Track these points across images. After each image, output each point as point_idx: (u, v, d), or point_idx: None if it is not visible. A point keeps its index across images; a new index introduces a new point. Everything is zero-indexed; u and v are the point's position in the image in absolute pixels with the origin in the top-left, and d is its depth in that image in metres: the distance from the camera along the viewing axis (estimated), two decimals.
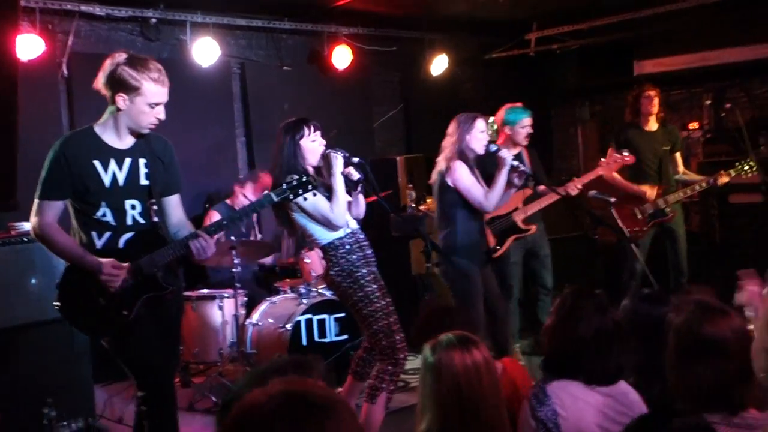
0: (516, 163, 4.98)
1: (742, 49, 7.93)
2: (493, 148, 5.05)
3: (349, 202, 4.42)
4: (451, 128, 5.12)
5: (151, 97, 3.43)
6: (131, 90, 3.40)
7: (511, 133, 5.95)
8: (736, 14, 7.65)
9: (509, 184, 5.07)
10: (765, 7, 7.44)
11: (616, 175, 6.43)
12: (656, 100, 6.51)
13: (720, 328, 2.24)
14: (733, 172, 6.28)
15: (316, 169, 4.38)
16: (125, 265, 3.45)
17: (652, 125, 6.57)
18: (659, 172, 6.53)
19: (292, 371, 2.20)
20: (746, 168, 6.24)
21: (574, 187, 5.70)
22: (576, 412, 2.64)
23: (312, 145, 4.30)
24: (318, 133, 4.34)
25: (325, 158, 4.31)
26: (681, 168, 6.69)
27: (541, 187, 5.84)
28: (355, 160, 4.34)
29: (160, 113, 3.50)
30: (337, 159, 4.26)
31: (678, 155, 6.70)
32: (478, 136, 5.03)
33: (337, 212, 4.23)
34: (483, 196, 4.98)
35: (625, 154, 6.02)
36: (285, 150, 4.27)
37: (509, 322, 5.56)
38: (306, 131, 4.29)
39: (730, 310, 2.31)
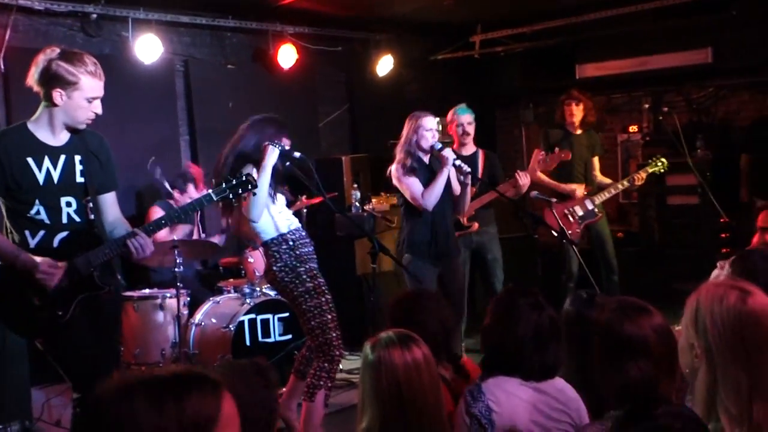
0: (459, 162, 5.05)
1: (680, 54, 8.13)
2: (438, 146, 5.11)
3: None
4: (404, 127, 5.22)
5: (89, 91, 3.39)
6: (68, 85, 3.34)
7: (452, 133, 6.13)
8: (675, 21, 7.84)
9: (462, 184, 5.18)
10: (701, 14, 7.64)
11: (542, 176, 6.58)
12: (576, 110, 6.77)
13: (641, 327, 2.27)
14: (649, 169, 6.73)
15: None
16: (61, 264, 3.38)
17: (577, 129, 6.83)
18: (585, 175, 6.75)
19: (253, 375, 2.20)
20: (659, 165, 6.74)
21: (523, 176, 5.77)
22: (510, 407, 2.68)
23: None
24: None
25: (262, 149, 4.25)
26: (597, 172, 6.98)
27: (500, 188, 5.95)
28: (297, 155, 4.32)
29: (98, 108, 3.45)
30: (273, 152, 4.22)
31: (596, 159, 6.99)
32: (424, 133, 5.10)
33: (253, 205, 4.17)
34: (419, 194, 5.05)
35: (564, 150, 6.27)
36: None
37: (459, 326, 5.61)
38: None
39: (652, 309, 2.35)
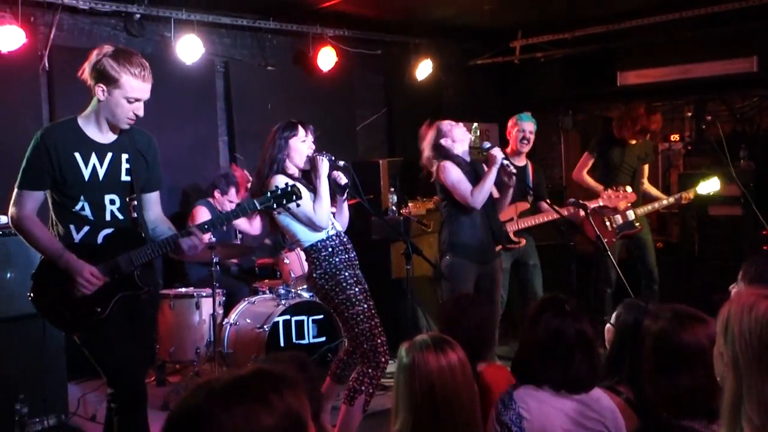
0: (507, 162, 5.06)
1: (723, 62, 7.99)
2: (486, 145, 5.17)
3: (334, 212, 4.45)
4: (426, 137, 5.28)
5: (130, 91, 3.38)
6: (110, 81, 3.37)
7: (510, 138, 6.15)
8: (719, 28, 7.72)
9: (504, 185, 5.19)
10: (747, 22, 7.51)
11: (588, 179, 6.52)
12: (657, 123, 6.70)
13: (697, 336, 2.23)
14: (699, 190, 6.60)
15: (305, 172, 4.38)
16: (103, 277, 3.41)
17: (635, 140, 6.68)
18: (632, 184, 6.62)
19: (297, 371, 2.20)
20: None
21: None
22: (541, 417, 2.63)
23: (300, 145, 4.32)
24: (310, 137, 4.37)
25: (312, 161, 4.33)
26: (645, 179, 6.88)
27: (543, 204, 5.94)
28: (341, 163, 4.39)
29: (139, 110, 3.45)
30: (323, 162, 4.28)
31: (646, 167, 6.88)
32: (451, 128, 5.21)
33: (321, 214, 4.24)
34: (468, 192, 5.08)
35: (629, 190, 6.18)
36: (275, 147, 4.30)
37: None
38: (298, 131, 4.32)
39: (707, 318, 2.31)
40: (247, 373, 1.46)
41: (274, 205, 3.80)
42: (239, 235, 6.81)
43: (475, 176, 5.16)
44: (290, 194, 3.78)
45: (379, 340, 4.29)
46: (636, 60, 8.50)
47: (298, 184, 4.11)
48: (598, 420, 2.68)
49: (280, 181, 4.15)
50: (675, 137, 8.68)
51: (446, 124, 5.23)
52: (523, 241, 5.95)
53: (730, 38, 7.82)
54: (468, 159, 5.24)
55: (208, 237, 5.67)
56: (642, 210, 6.59)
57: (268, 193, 3.79)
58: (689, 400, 2.16)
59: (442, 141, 5.19)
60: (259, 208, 3.76)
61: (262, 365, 1.52)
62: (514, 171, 5.13)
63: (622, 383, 2.87)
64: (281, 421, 1.39)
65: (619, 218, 6.51)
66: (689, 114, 8.57)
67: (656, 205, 6.65)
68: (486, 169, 5.09)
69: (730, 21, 7.53)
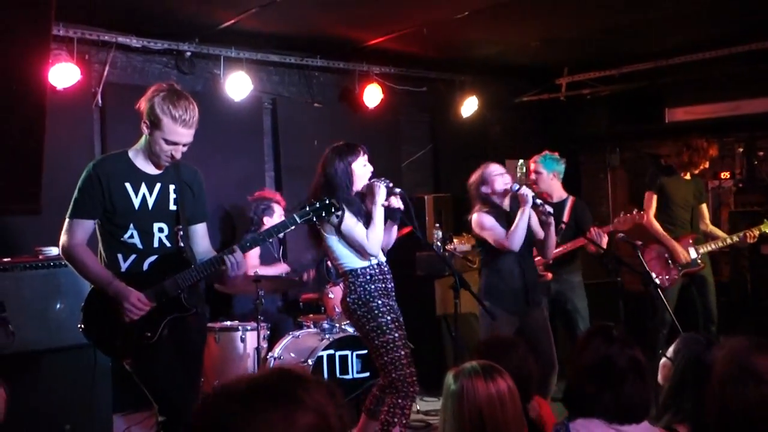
0: (539, 201, 4.98)
1: None
2: (515, 187, 5.06)
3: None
4: (473, 179, 5.21)
5: (168, 133, 3.47)
6: (153, 120, 3.47)
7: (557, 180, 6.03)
8: None
9: (545, 224, 5.05)
10: None
11: (654, 223, 6.34)
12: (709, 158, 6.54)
13: None
14: (763, 228, 6.34)
15: (360, 195, 4.37)
16: (151, 303, 3.44)
17: (687, 175, 6.53)
18: (690, 221, 6.48)
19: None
20: None
21: (596, 235, 5.66)
22: None
23: (363, 170, 4.33)
24: (366, 157, 4.37)
25: (369, 187, 4.33)
26: (707, 221, 6.70)
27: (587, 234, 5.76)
28: (398, 190, 4.38)
29: (177, 152, 3.53)
30: (380, 189, 4.28)
31: (704, 207, 6.70)
32: (494, 178, 5.09)
33: (373, 241, 4.24)
34: (503, 235, 4.97)
35: (639, 212, 5.99)
36: (334, 169, 4.27)
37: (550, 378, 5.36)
38: (359, 156, 4.33)
39: None
40: (270, 374, 1.38)
41: (314, 219, 3.80)
42: (284, 266, 6.83)
43: (511, 221, 5.05)
44: (329, 206, 3.78)
45: (408, 371, 4.24)
46: (684, 96, 8.42)
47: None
48: None
49: None
50: (725, 175, 8.53)
51: (490, 172, 5.13)
52: (548, 275, 5.81)
53: None
54: (507, 208, 5.13)
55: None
56: (705, 248, 6.41)
57: (307, 207, 3.78)
58: (754, 423, 2.08)
59: (483, 188, 5.12)
60: (299, 222, 3.76)
61: (281, 366, 1.48)
62: (549, 209, 5.02)
63: (683, 422, 2.78)
64: (314, 419, 1.33)
65: (681, 256, 6.35)
66: (740, 150, 8.42)
67: (720, 243, 6.45)
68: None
69: None
